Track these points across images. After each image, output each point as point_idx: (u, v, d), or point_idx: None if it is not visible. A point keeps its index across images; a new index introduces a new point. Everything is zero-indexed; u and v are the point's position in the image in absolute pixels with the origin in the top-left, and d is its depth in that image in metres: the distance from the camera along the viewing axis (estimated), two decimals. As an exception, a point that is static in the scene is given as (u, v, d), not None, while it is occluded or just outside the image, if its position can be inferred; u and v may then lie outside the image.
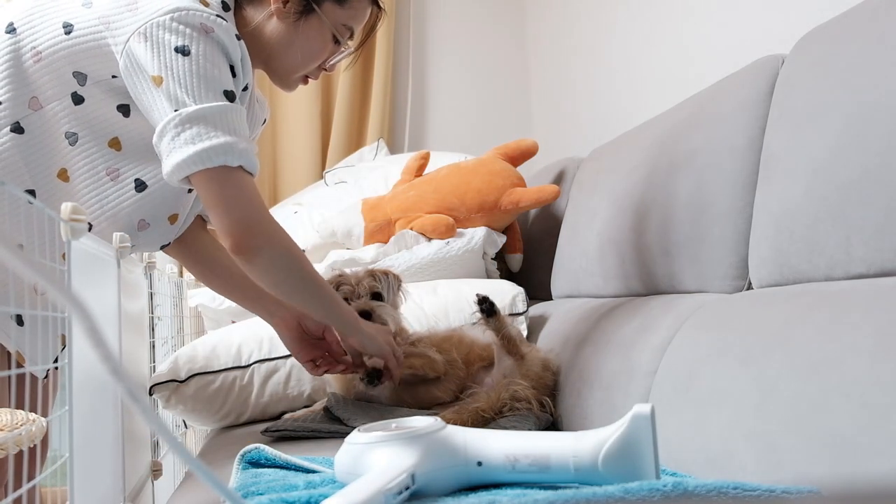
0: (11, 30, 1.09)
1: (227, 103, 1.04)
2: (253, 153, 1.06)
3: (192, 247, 1.30)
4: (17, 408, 0.87)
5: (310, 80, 1.26)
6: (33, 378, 1.04)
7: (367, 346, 1.19)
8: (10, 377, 1.03)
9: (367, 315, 1.30)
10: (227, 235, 1.05)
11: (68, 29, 1.08)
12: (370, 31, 1.28)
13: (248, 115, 1.24)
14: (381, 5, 1.25)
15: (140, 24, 1.04)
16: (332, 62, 1.25)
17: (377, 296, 1.34)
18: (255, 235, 1.05)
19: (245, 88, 1.14)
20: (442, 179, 1.93)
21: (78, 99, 1.09)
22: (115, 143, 1.10)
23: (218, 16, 1.06)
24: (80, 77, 1.08)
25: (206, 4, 1.09)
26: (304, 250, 1.95)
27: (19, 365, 1.05)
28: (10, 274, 1.03)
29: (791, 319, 0.84)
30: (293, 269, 1.10)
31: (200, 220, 1.31)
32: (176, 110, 1.01)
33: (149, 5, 1.06)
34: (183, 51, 1.02)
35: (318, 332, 1.22)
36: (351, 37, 1.23)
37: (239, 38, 1.09)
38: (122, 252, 1.09)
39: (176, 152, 1.01)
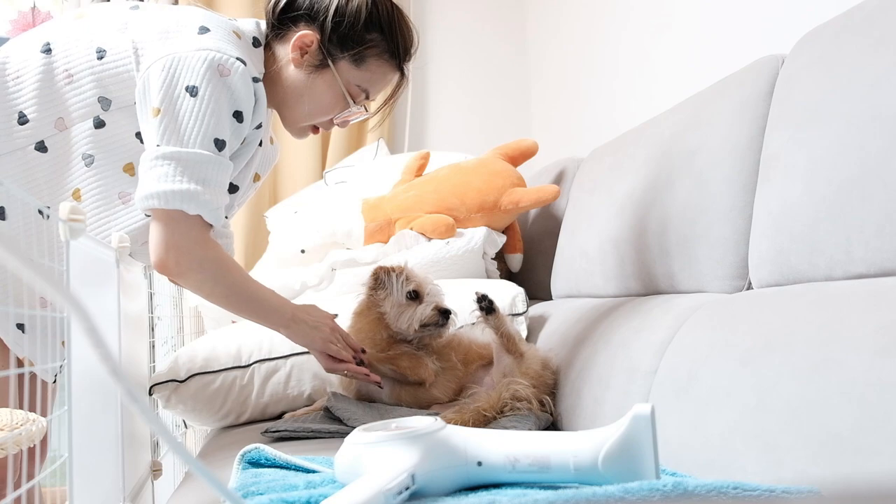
0: (47, 50, 1.11)
1: (209, 153, 1.05)
2: (216, 206, 1.08)
3: None
4: (18, 407, 0.87)
5: (321, 130, 1.27)
6: (32, 376, 1.04)
7: (297, 341, 1.23)
8: (11, 376, 1.03)
9: (447, 312, 1.32)
10: (153, 253, 1.08)
11: (101, 54, 1.11)
12: (391, 97, 1.28)
13: (261, 153, 1.26)
14: (406, 72, 1.24)
15: (165, 54, 1.06)
16: (345, 120, 1.25)
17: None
18: (181, 263, 1.08)
19: (259, 126, 1.16)
20: (442, 179, 1.92)
21: (99, 123, 1.11)
22: (129, 168, 1.13)
23: (239, 59, 1.07)
24: (105, 102, 1.11)
25: (239, 37, 1.11)
26: (303, 250, 1.96)
27: (21, 365, 1.06)
28: (10, 280, 1.04)
29: (791, 319, 0.84)
30: (219, 291, 1.14)
31: None
32: (158, 145, 1.04)
33: (180, 40, 1.08)
34: (192, 91, 1.04)
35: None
36: (367, 97, 1.23)
37: (257, 81, 1.11)
38: (122, 252, 1.09)
39: (143, 185, 1.05)
